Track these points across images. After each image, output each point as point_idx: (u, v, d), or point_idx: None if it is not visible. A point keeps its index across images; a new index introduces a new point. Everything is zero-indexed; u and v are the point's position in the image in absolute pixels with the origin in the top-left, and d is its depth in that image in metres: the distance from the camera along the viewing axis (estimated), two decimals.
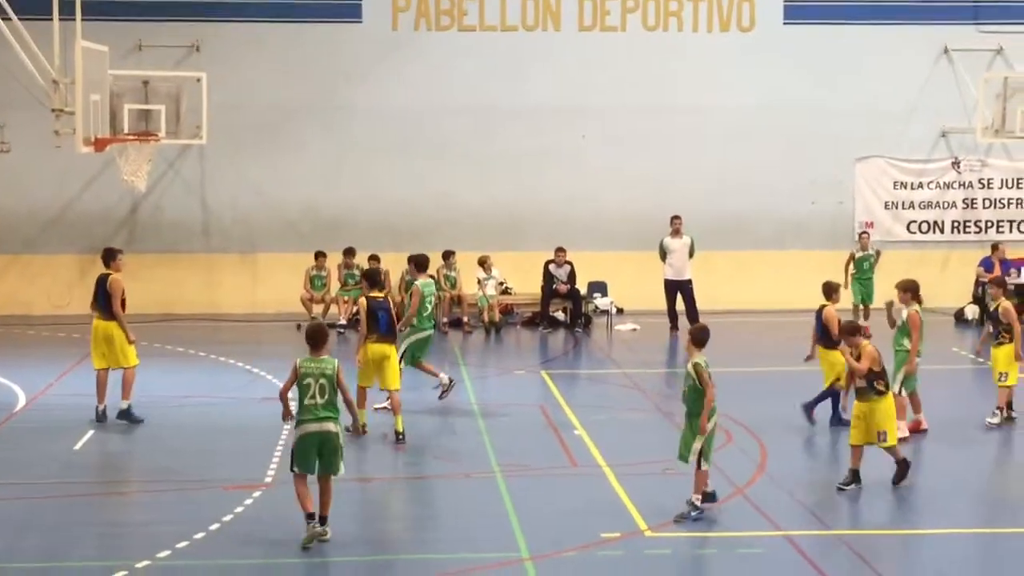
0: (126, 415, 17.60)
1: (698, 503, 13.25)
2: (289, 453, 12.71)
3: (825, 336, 17.16)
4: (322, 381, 12.43)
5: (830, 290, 17.61)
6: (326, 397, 12.44)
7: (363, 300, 16.94)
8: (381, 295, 17.09)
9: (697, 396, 13.15)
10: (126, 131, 21.82)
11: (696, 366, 13.17)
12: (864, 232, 27.23)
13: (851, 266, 26.00)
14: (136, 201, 27.67)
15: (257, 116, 27.87)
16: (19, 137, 26.90)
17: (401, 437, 16.52)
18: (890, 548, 12.84)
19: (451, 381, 18.61)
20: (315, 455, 12.44)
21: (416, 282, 18.25)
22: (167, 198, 28.06)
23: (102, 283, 17.68)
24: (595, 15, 28.51)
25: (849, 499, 14.06)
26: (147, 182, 24.04)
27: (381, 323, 16.69)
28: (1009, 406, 17.50)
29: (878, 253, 26.41)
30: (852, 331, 14.42)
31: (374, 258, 26.65)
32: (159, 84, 22.71)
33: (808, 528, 13.15)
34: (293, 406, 12.77)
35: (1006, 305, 17.43)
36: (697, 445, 13.17)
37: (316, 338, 12.67)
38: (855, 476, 14.25)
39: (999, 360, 17.33)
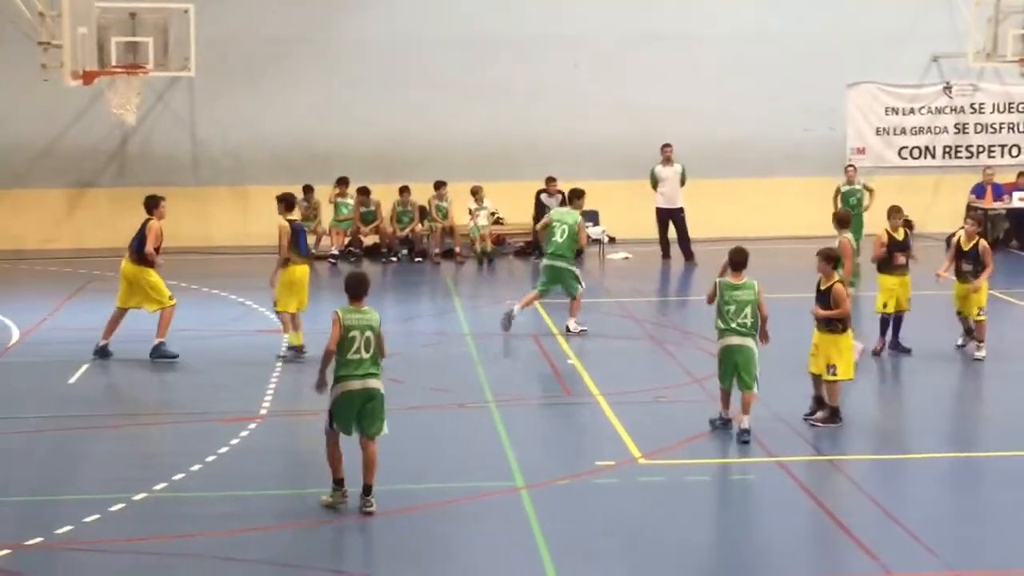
0: (159, 352, 17.49)
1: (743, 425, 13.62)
2: (327, 412, 11.65)
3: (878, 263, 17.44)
4: (368, 334, 11.51)
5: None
6: (371, 352, 11.54)
7: (284, 223, 17.36)
8: (298, 217, 17.83)
9: None
10: (114, 64, 21.69)
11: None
12: (850, 165, 25.64)
13: (838, 200, 24.42)
14: (125, 135, 27.51)
15: (246, 48, 27.66)
16: (6, 71, 26.72)
17: (303, 350, 17.24)
18: (881, 472, 12.94)
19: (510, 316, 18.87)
20: (355, 415, 11.57)
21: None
22: (157, 131, 27.89)
23: (142, 227, 17.66)
24: None
25: (842, 426, 14.11)
26: (136, 115, 23.93)
27: (302, 245, 17.47)
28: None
29: (867, 189, 24.29)
30: (831, 259, 14.24)
31: (363, 191, 26.66)
32: (146, 16, 22.55)
33: (801, 454, 13.24)
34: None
35: (985, 245, 17.43)
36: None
37: (359, 287, 11.72)
38: (819, 403, 14.30)
39: (978, 296, 17.27)
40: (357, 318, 11.53)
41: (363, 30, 27.92)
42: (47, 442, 13.96)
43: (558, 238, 18.88)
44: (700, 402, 15.09)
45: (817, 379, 14.25)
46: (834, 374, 14.02)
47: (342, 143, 27.90)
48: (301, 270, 17.45)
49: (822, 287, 14.16)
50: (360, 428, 11.62)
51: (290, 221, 17.43)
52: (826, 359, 14.07)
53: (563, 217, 19.01)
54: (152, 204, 17.77)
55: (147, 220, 17.66)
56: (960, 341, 17.69)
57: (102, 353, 17.50)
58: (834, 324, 14.10)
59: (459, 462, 13.22)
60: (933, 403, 15.69)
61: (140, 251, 17.51)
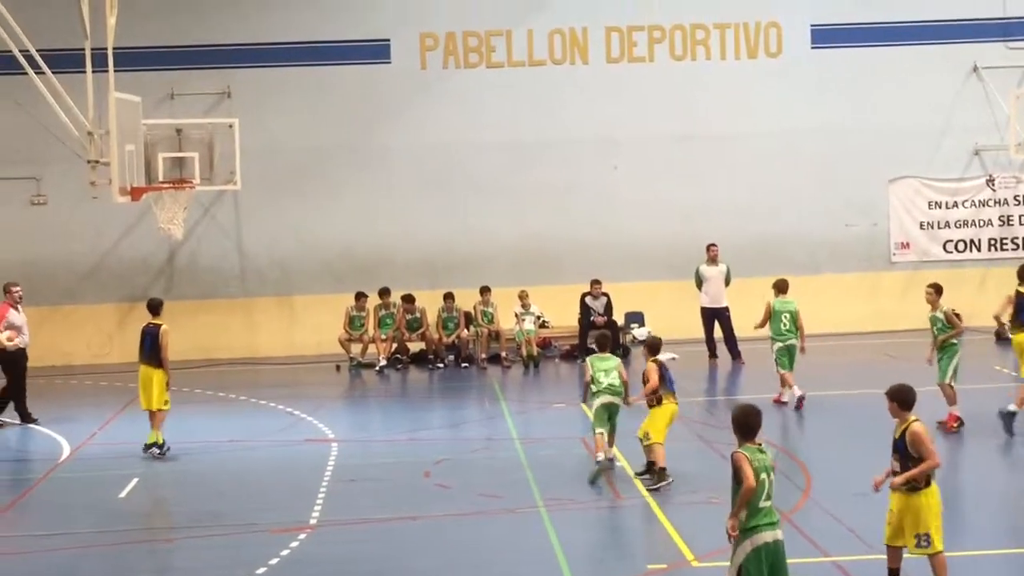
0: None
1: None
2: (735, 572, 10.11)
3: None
4: (772, 476, 10.09)
5: None
6: (772, 496, 10.11)
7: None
8: (155, 322, 18.63)
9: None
10: (161, 179, 21.97)
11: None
12: (932, 288, 19.05)
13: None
14: (173, 248, 27.84)
15: (290, 159, 28.05)
16: (56, 189, 27.25)
17: (151, 448, 18.40)
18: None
19: None
20: (768, 572, 10.01)
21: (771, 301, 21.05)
22: (204, 244, 28.23)
23: None
24: (622, 47, 28.59)
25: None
26: (183, 229, 24.19)
27: (144, 347, 18.51)
28: None
29: (951, 322, 18.64)
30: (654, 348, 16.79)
31: (408, 298, 26.74)
32: (192, 131, 22.87)
33: (856, 553, 13.05)
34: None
35: (916, 431, 11.67)
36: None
37: (751, 423, 10.13)
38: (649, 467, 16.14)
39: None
40: (761, 459, 10.06)
41: (405, 138, 28.26)
42: (98, 557, 13.96)
43: (787, 326, 20.80)
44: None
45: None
46: (648, 439, 16.13)
47: (386, 250, 28.14)
48: (140, 370, 18.61)
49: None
50: None
51: (145, 324, 18.73)
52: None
53: (783, 306, 20.96)
54: None
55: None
56: None
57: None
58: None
59: (510, 567, 13.12)
60: (989, 498, 15.45)
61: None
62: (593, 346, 17.96)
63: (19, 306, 21.52)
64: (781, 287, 21.24)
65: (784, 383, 20.69)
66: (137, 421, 19.51)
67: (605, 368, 16.68)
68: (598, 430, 16.58)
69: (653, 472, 15.99)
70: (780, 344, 20.69)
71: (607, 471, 16.37)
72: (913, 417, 11.26)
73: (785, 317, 20.72)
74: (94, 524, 15.16)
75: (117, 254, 28.09)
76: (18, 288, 21.60)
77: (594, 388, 16.62)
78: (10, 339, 21.04)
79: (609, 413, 16.65)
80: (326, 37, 28.19)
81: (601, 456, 16.47)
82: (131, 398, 22.57)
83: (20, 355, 21.38)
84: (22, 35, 20.84)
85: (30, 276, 23.26)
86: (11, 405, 21.43)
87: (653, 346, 16.91)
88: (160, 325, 18.56)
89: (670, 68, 28.57)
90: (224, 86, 27.84)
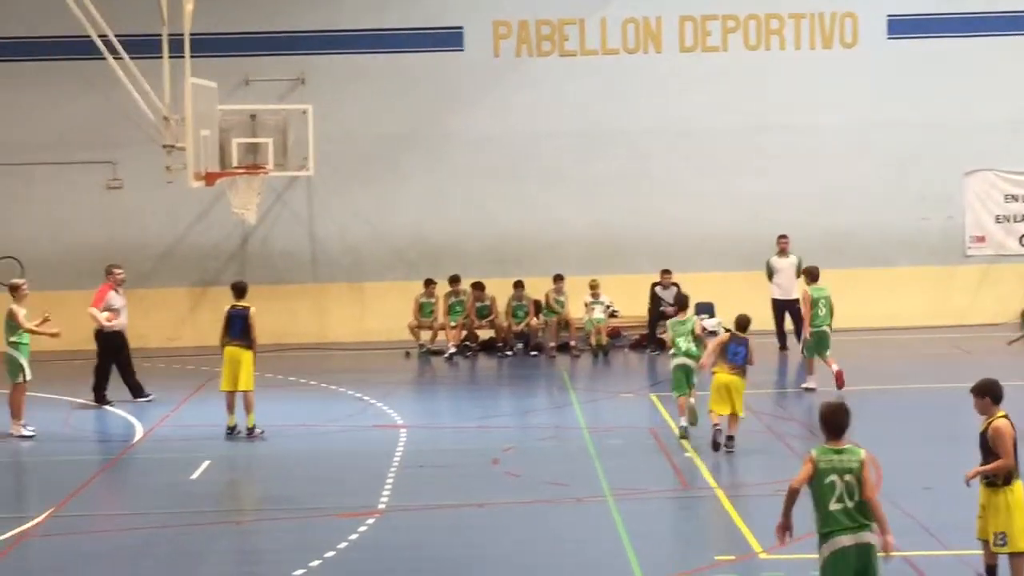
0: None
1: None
2: None
3: None
4: (848, 478, 9.78)
5: None
6: (856, 498, 9.78)
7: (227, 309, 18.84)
8: (243, 304, 18.74)
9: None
10: (235, 165, 22.18)
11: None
12: None
13: None
14: (246, 233, 28.06)
15: (363, 146, 28.16)
16: (131, 173, 27.52)
17: (253, 431, 18.51)
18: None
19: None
20: None
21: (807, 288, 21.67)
22: (276, 230, 28.41)
23: None
24: (696, 36, 28.44)
25: (969, 517, 13.78)
26: (256, 214, 24.39)
27: (234, 328, 18.52)
28: None
29: None
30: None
31: (478, 286, 26.78)
32: (266, 117, 23.07)
33: (926, 548, 12.95)
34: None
35: (998, 426, 11.47)
36: None
37: (837, 422, 10.01)
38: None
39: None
40: (835, 459, 9.86)
41: (477, 125, 28.28)
42: (170, 538, 14.13)
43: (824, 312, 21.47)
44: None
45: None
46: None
47: (457, 238, 28.18)
48: (227, 351, 18.58)
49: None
50: None
51: (232, 307, 18.75)
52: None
53: (820, 293, 21.53)
54: None
55: None
56: None
57: None
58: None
59: (577, 556, 13.13)
60: None
61: None
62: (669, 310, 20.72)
63: (119, 288, 21.78)
64: (814, 274, 21.75)
65: (810, 370, 21.60)
66: (209, 403, 19.68)
67: (683, 332, 18.18)
68: (677, 395, 18.00)
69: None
70: (812, 330, 21.40)
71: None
72: (1001, 413, 11.16)
73: (821, 304, 21.39)
74: (166, 505, 15.34)
75: (191, 238, 28.34)
76: (120, 271, 21.88)
77: (672, 351, 18.32)
78: (109, 319, 21.33)
79: (685, 375, 17.98)
80: (399, 24, 28.27)
81: (683, 422, 17.85)
82: (204, 381, 22.86)
83: (116, 337, 21.63)
84: (101, 20, 21.11)
85: (105, 259, 23.46)
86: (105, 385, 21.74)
87: (737, 323, 17.90)
88: (249, 307, 18.70)
89: (744, 58, 28.38)
90: (298, 72, 28.00)
